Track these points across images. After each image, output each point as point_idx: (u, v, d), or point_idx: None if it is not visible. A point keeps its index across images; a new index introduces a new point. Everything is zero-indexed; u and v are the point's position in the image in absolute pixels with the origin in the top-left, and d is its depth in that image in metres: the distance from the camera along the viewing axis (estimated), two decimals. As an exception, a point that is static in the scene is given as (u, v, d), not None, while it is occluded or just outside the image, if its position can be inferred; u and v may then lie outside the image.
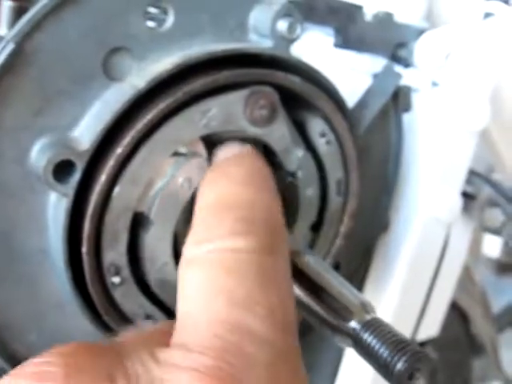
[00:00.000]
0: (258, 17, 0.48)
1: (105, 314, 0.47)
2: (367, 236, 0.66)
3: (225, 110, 0.46)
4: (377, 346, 0.38)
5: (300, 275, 0.44)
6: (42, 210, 0.45)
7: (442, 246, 0.71)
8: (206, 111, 0.45)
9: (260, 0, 0.48)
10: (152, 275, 0.48)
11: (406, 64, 0.66)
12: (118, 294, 0.47)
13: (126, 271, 0.47)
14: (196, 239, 0.41)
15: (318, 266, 0.44)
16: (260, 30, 0.48)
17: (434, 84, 0.65)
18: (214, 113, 0.46)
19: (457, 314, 0.98)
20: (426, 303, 0.74)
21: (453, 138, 0.66)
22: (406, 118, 0.64)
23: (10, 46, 0.41)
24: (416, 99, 0.65)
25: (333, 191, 0.54)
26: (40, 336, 0.48)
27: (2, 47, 0.41)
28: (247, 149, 0.48)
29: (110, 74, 0.44)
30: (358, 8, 0.62)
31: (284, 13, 0.47)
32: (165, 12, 0.46)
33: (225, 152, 0.48)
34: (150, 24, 0.45)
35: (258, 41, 0.49)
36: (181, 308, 0.39)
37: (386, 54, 0.65)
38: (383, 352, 0.38)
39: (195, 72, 0.45)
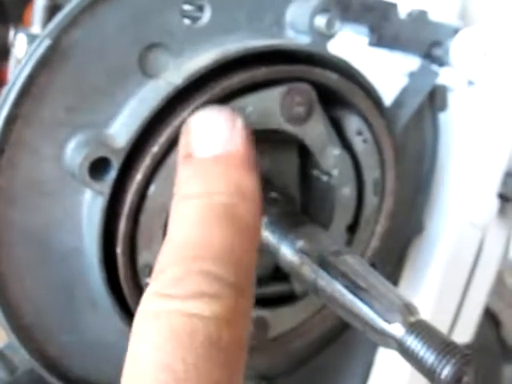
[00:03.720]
0: (296, 12, 0.47)
1: (138, 314, 0.46)
2: (402, 238, 0.65)
3: (262, 107, 0.45)
4: (423, 350, 0.37)
5: (340, 276, 0.42)
6: (77, 208, 0.44)
7: (476, 249, 0.70)
8: (242, 108, 0.44)
9: (297, -5, 0.47)
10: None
11: (441, 63, 0.65)
12: (151, 295, 0.46)
13: (161, 271, 0.46)
14: (158, 290, 0.36)
15: (359, 266, 0.43)
16: (297, 25, 0.47)
17: (470, 83, 0.64)
18: (251, 110, 0.45)
19: (488, 317, 0.96)
20: (459, 308, 0.72)
21: (489, 138, 0.64)
22: (441, 117, 0.63)
23: (47, 42, 0.40)
24: (451, 98, 0.63)
25: (370, 191, 0.53)
26: (72, 336, 0.48)
27: (38, 43, 0.41)
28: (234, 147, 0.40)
29: (145, 70, 0.44)
30: (393, 6, 0.61)
31: (322, 8, 0.46)
32: (200, 9, 0.45)
33: (198, 132, 0.41)
34: (186, 21, 0.45)
35: (295, 37, 0.48)
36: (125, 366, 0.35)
37: (420, 53, 0.64)
38: (430, 355, 0.37)
39: (231, 69, 0.45)
